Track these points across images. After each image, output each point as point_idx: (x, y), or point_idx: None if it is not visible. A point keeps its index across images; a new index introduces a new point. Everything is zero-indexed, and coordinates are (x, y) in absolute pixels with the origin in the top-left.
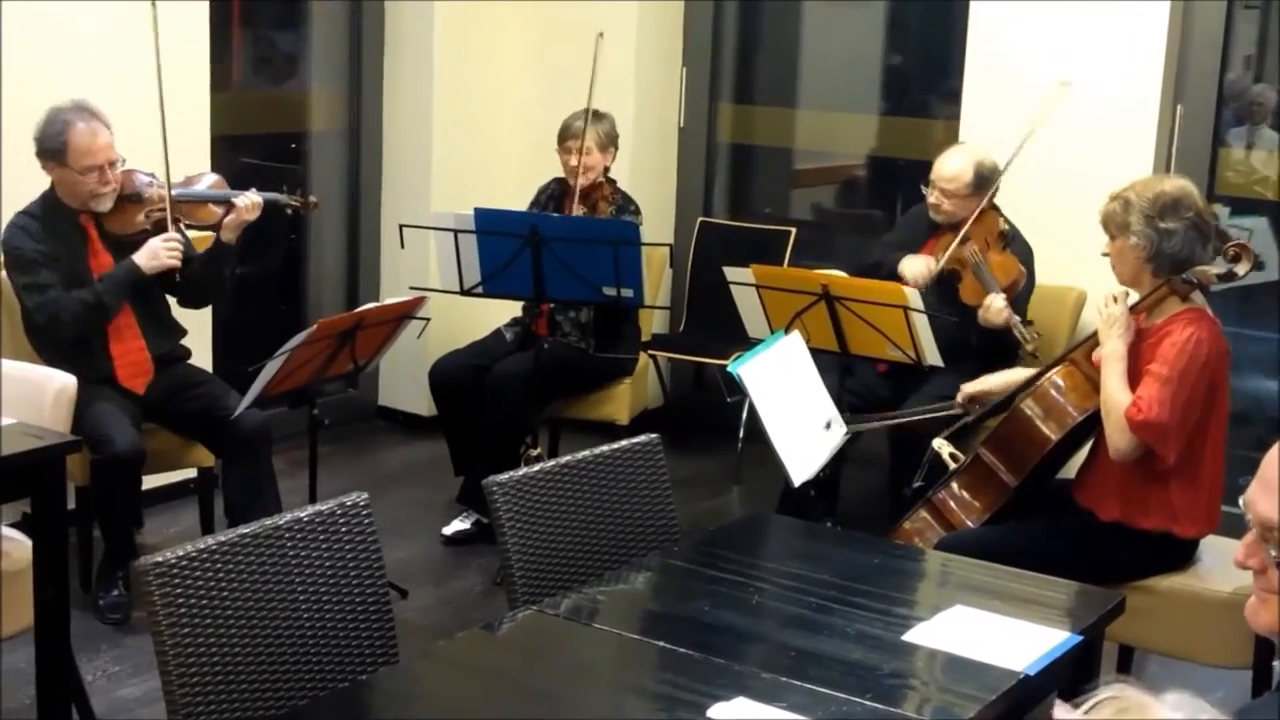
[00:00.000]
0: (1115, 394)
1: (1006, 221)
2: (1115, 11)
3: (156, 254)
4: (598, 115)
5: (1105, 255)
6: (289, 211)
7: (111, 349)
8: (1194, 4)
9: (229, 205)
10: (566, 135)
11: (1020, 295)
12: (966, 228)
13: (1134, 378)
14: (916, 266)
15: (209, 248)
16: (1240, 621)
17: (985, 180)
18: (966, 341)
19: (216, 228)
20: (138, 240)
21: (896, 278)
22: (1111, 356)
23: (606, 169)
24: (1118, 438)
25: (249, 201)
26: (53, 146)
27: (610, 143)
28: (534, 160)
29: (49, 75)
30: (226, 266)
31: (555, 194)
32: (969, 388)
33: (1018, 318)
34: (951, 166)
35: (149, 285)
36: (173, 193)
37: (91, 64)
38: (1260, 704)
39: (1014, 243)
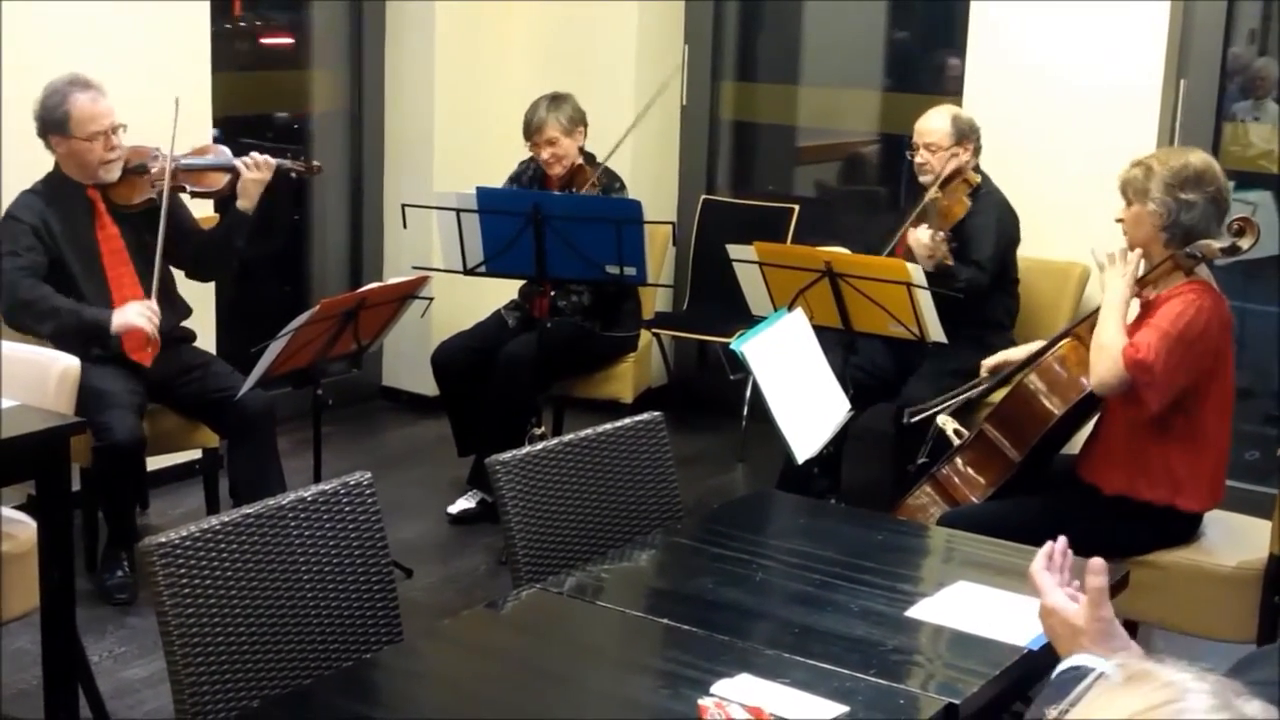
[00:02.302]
0: (1112, 330)
1: (981, 179)
2: None
3: (132, 318)
4: (556, 100)
5: (1119, 220)
6: (293, 176)
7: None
8: None
9: (234, 171)
10: (530, 130)
11: (969, 234)
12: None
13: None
14: (922, 238)
15: (224, 219)
16: (1244, 595)
17: (965, 132)
18: (962, 316)
19: (222, 195)
20: (144, 211)
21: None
22: (1111, 297)
23: (581, 149)
24: (1106, 368)
25: (257, 160)
26: (55, 118)
27: (576, 124)
28: None
29: (49, 62)
30: (240, 238)
31: (538, 175)
32: (990, 360)
33: (941, 237)
34: (931, 123)
35: (153, 259)
36: (179, 162)
37: (92, 48)
38: (1261, 654)
39: (983, 198)
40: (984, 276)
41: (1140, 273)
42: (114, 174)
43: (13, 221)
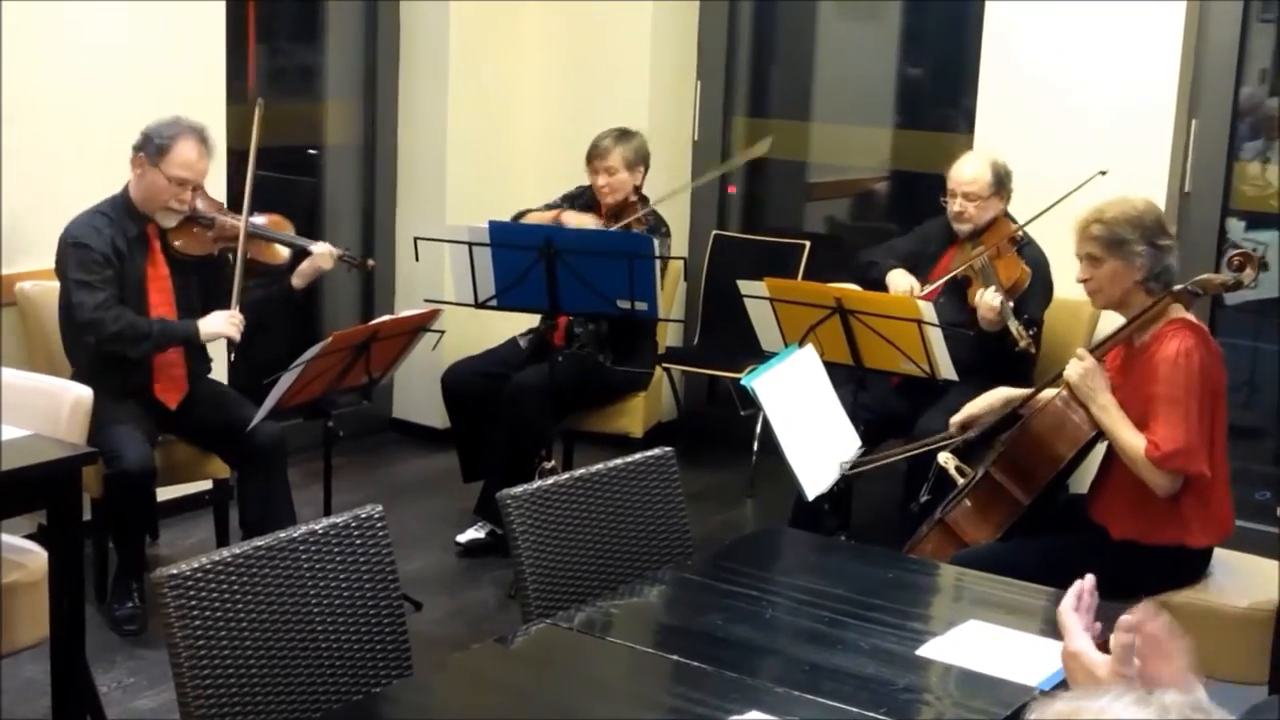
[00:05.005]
0: (1128, 441)
1: (1021, 230)
2: (1129, 26)
3: (217, 327)
4: (626, 134)
5: (1082, 281)
6: (347, 270)
7: (154, 360)
8: (1209, 17)
9: (304, 252)
10: (593, 154)
11: (1027, 297)
12: (984, 236)
13: (1135, 397)
14: (900, 284)
15: (272, 291)
16: (1255, 637)
17: (1002, 181)
18: (980, 355)
19: (279, 269)
20: (199, 261)
21: (883, 284)
22: (1104, 410)
23: (637, 188)
24: (1152, 478)
25: (327, 251)
26: (159, 143)
27: (639, 162)
28: (549, 173)
29: (62, 94)
30: (279, 315)
31: (589, 204)
32: (956, 418)
33: (1011, 306)
34: (970, 170)
35: (196, 310)
36: (248, 227)
37: (108, 80)
38: (1272, 702)
39: (1027, 248)
40: (1038, 336)
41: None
42: (170, 222)
43: (83, 249)
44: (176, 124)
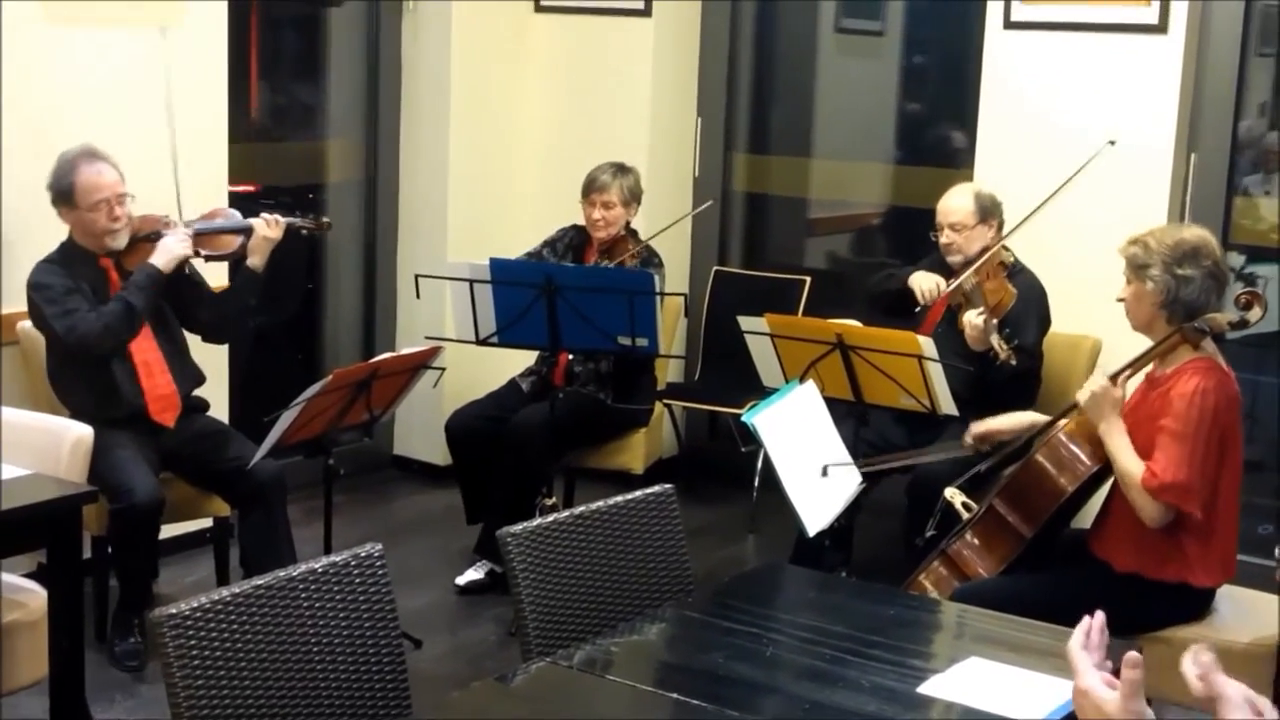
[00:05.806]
0: (1127, 465)
1: (1014, 258)
2: (1129, 60)
3: (169, 249)
4: (623, 170)
5: (1120, 300)
6: (304, 233)
7: (141, 383)
8: (1208, 51)
9: (248, 231)
10: (591, 188)
11: (1013, 319)
12: (976, 264)
13: (1145, 428)
14: (927, 282)
15: (236, 278)
16: (1258, 672)
17: (988, 209)
18: (980, 389)
19: (237, 256)
20: None
21: (905, 292)
22: (1109, 431)
23: (628, 223)
24: (1144, 506)
25: (269, 219)
26: (62, 188)
27: (633, 198)
28: (550, 211)
29: (64, 134)
30: (252, 296)
31: (575, 243)
32: (976, 428)
33: (995, 323)
34: (954, 202)
35: (170, 321)
36: (193, 226)
37: (104, 113)
38: None
39: (1018, 275)
40: (1031, 363)
41: (1142, 351)
42: (120, 242)
43: (43, 289)
44: (63, 162)
